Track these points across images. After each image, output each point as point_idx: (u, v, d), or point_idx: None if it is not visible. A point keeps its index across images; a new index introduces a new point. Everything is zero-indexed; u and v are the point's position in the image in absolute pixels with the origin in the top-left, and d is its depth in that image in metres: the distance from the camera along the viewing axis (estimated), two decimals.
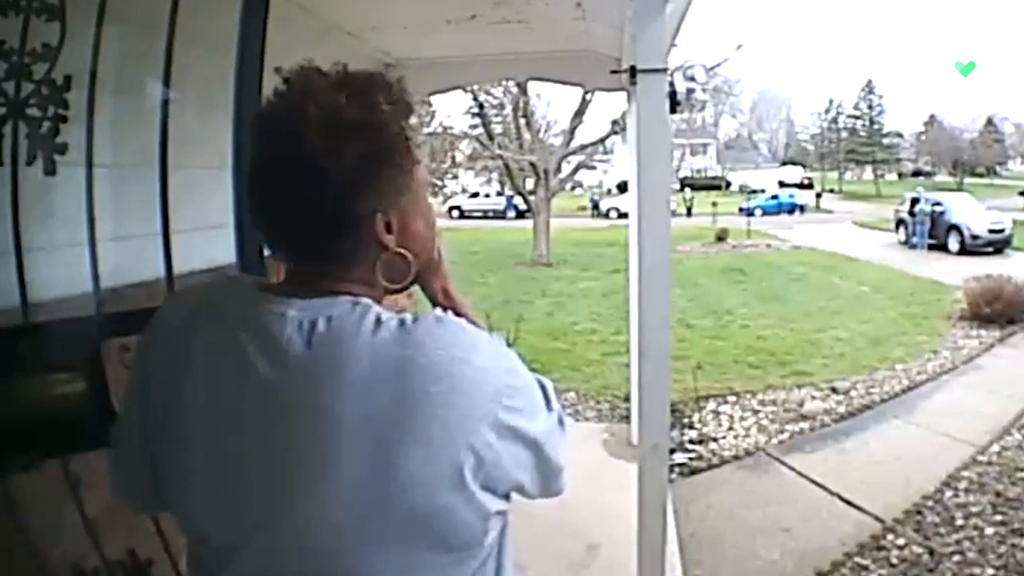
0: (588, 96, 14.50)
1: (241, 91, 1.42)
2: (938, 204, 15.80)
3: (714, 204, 23.54)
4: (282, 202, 0.63)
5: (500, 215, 29.45)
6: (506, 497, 0.65)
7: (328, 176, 0.61)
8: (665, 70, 1.76)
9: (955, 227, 14.96)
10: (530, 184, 16.53)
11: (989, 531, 3.30)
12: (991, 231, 14.68)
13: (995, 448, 4.29)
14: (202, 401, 0.65)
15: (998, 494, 3.68)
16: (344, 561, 0.60)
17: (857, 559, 3.12)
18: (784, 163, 50.65)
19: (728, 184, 43.10)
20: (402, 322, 0.62)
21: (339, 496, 0.58)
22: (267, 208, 0.65)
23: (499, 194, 31.11)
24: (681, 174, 41.08)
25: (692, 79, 2.89)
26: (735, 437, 4.66)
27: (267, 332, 0.63)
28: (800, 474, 4.06)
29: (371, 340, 0.60)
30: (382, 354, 0.60)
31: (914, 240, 15.99)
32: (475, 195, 31.81)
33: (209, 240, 1.53)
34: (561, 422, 0.71)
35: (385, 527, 0.58)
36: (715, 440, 4.61)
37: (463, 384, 0.60)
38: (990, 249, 14.36)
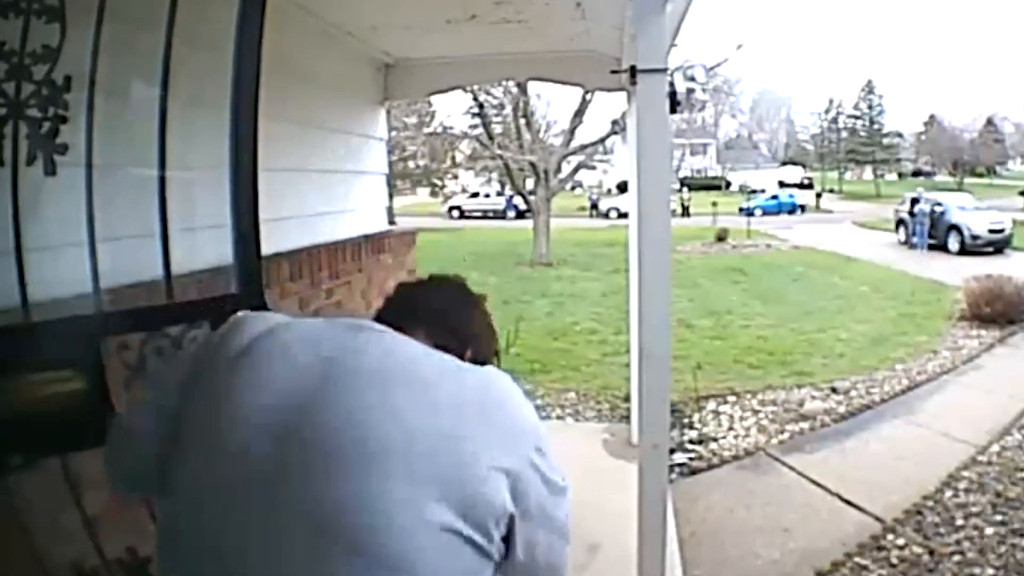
0: (588, 96, 14.50)
1: (238, 90, 1.41)
2: (938, 204, 15.81)
3: (714, 204, 23.54)
4: (436, 302, 0.92)
5: (500, 215, 29.45)
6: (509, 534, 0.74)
7: (474, 319, 0.94)
8: (665, 70, 1.76)
9: (955, 227, 14.96)
10: (530, 184, 16.52)
11: (989, 531, 3.30)
12: (991, 231, 14.68)
13: (995, 448, 4.28)
14: (249, 416, 0.73)
15: (998, 494, 3.67)
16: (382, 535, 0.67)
17: (857, 559, 3.12)
18: (784, 163, 50.62)
19: (728, 184, 43.10)
20: (472, 360, 0.84)
21: (399, 485, 0.67)
22: (419, 293, 0.93)
23: (499, 194, 31.11)
24: (681, 174, 41.05)
25: (692, 79, 2.89)
26: (735, 437, 4.66)
27: (343, 355, 0.76)
28: (800, 474, 4.06)
29: (441, 368, 0.76)
30: (451, 379, 0.75)
31: (914, 240, 15.99)
32: (475, 195, 31.82)
33: (207, 240, 1.53)
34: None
35: (439, 490, 0.68)
36: (715, 440, 4.61)
37: (517, 422, 0.75)
38: (990, 249, 14.36)
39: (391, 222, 4.82)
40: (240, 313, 0.86)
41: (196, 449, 0.75)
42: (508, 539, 0.73)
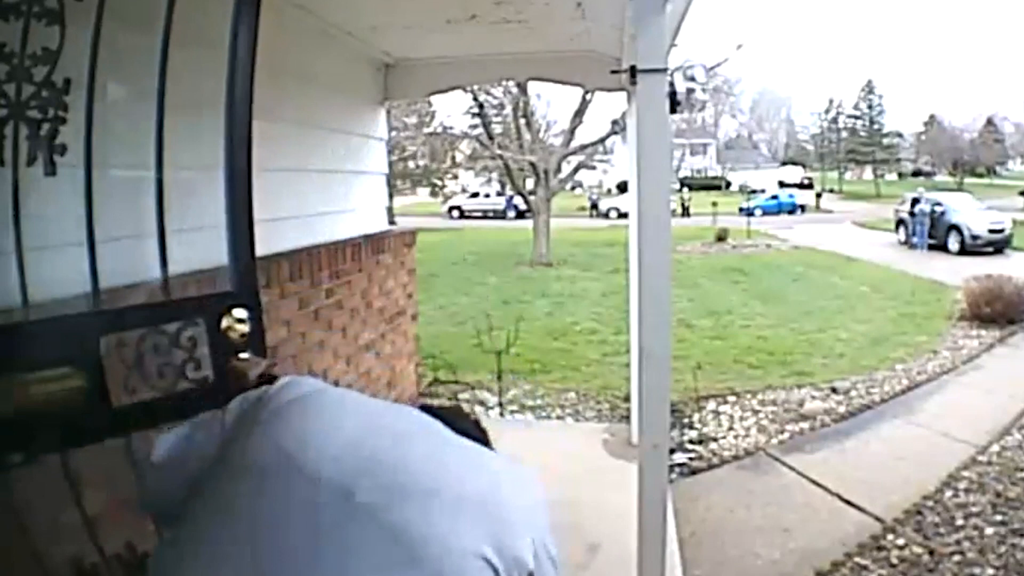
0: (588, 96, 14.51)
1: (233, 90, 1.41)
2: (938, 204, 15.80)
3: (714, 204, 23.56)
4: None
5: (500, 215, 29.46)
6: None
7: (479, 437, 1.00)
8: (665, 70, 1.76)
9: (955, 227, 14.97)
10: (530, 184, 16.54)
11: (989, 531, 3.30)
12: (991, 231, 14.68)
13: (995, 448, 4.29)
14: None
15: (998, 494, 3.68)
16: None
17: (857, 559, 3.12)
18: (784, 163, 50.68)
19: (728, 184, 43.13)
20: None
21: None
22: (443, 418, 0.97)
23: (499, 194, 31.12)
24: (681, 174, 41.09)
25: (692, 79, 2.89)
26: (735, 437, 4.66)
27: (399, 416, 0.90)
28: (800, 474, 4.06)
29: (483, 448, 0.91)
30: (495, 457, 0.91)
31: (914, 240, 16.00)
32: (475, 195, 31.84)
33: (203, 240, 1.53)
34: None
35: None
36: (715, 440, 4.61)
37: (541, 503, 0.88)
38: (990, 249, 14.37)
39: (391, 222, 4.82)
40: (289, 377, 0.95)
41: (238, 485, 0.81)
42: None
